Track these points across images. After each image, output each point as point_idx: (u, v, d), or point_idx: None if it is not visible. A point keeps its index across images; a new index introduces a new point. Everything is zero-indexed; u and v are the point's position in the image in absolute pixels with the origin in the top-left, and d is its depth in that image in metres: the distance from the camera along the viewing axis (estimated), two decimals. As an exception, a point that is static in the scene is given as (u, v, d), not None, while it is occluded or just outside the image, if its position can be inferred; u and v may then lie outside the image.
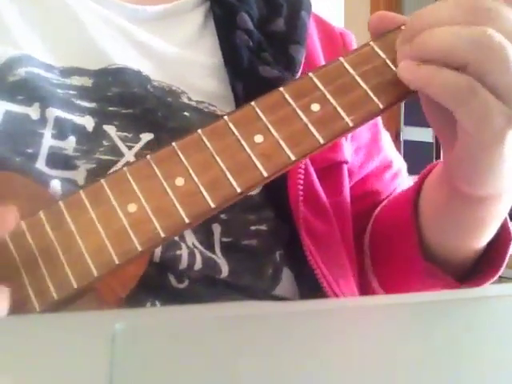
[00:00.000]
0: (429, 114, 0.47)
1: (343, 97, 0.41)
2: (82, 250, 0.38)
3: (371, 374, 0.21)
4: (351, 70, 0.42)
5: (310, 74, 0.42)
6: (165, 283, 0.49)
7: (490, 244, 0.54)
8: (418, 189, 0.56)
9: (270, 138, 0.40)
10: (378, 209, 0.64)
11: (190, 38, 0.60)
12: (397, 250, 0.59)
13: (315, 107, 0.41)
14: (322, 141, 0.40)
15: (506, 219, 0.53)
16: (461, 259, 0.55)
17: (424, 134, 2.52)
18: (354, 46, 0.68)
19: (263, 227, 0.54)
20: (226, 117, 0.41)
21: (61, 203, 0.40)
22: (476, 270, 0.55)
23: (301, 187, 0.54)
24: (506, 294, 0.31)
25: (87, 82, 0.53)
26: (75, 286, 0.37)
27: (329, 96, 0.41)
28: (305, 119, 0.41)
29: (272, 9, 0.62)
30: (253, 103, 0.41)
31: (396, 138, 2.52)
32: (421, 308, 0.28)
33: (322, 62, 0.62)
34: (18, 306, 0.37)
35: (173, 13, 0.60)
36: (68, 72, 0.53)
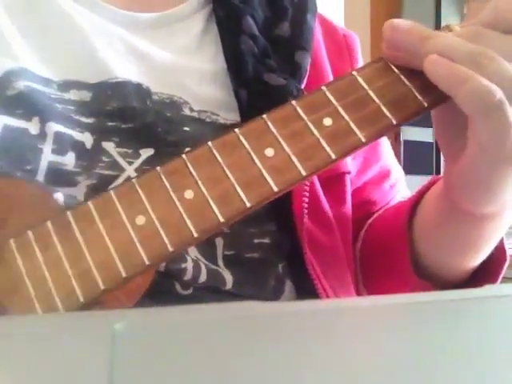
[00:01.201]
0: (438, 125, 0.46)
1: (356, 112, 0.41)
2: (89, 263, 0.37)
3: (371, 374, 0.21)
4: (365, 85, 0.41)
5: (323, 88, 0.42)
6: (170, 290, 0.49)
7: (484, 263, 0.53)
8: (415, 203, 0.55)
9: (281, 152, 0.39)
10: (373, 218, 0.64)
11: (192, 45, 0.58)
12: (388, 264, 0.58)
13: (327, 122, 0.40)
14: (333, 156, 0.40)
15: (501, 240, 0.53)
16: (453, 277, 0.54)
17: (424, 134, 2.52)
18: (358, 48, 0.67)
19: (266, 240, 0.54)
20: (236, 129, 0.40)
21: (69, 214, 0.39)
22: (468, 286, 0.55)
23: (306, 199, 0.54)
24: (506, 293, 0.31)
25: (86, 95, 0.52)
26: (81, 299, 0.37)
27: (341, 111, 0.41)
28: (317, 134, 0.40)
29: (277, 12, 0.61)
30: (264, 116, 0.41)
31: (396, 138, 2.52)
32: (421, 308, 0.28)
33: (327, 66, 0.61)
34: None
35: (174, 19, 0.59)
36: (66, 86, 0.52)
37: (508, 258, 0.54)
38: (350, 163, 0.61)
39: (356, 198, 0.63)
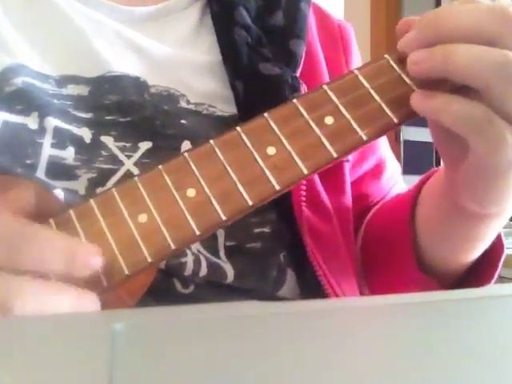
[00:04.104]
0: (435, 134, 0.46)
1: (357, 110, 0.41)
2: None
3: (372, 374, 0.21)
4: (366, 84, 0.42)
5: (324, 87, 0.42)
6: (170, 288, 0.49)
7: (482, 255, 0.53)
8: (415, 196, 0.56)
9: (282, 151, 0.40)
10: (371, 212, 0.64)
11: (187, 37, 0.59)
12: (390, 259, 0.58)
13: (329, 120, 0.40)
14: (335, 154, 0.40)
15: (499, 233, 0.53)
16: (452, 271, 0.54)
17: (424, 134, 2.52)
18: (352, 39, 0.67)
19: (266, 229, 0.54)
20: (238, 128, 0.41)
21: (71, 212, 0.39)
22: (466, 280, 0.55)
23: (304, 187, 0.54)
24: (506, 294, 0.31)
25: (83, 90, 0.52)
26: None
27: (343, 109, 0.41)
28: (318, 132, 0.40)
29: (270, 1, 0.61)
30: (266, 114, 0.41)
31: (396, 138, 2.52)
32: (421, 308, 0.28)
33: (321, 56, 0.62)
34: None
35: (168, 11, 0.59)
36: (64, 81, 0.52)
37: (504, 251, 0.54)
38: None
39: (353, 190, 0.63)
